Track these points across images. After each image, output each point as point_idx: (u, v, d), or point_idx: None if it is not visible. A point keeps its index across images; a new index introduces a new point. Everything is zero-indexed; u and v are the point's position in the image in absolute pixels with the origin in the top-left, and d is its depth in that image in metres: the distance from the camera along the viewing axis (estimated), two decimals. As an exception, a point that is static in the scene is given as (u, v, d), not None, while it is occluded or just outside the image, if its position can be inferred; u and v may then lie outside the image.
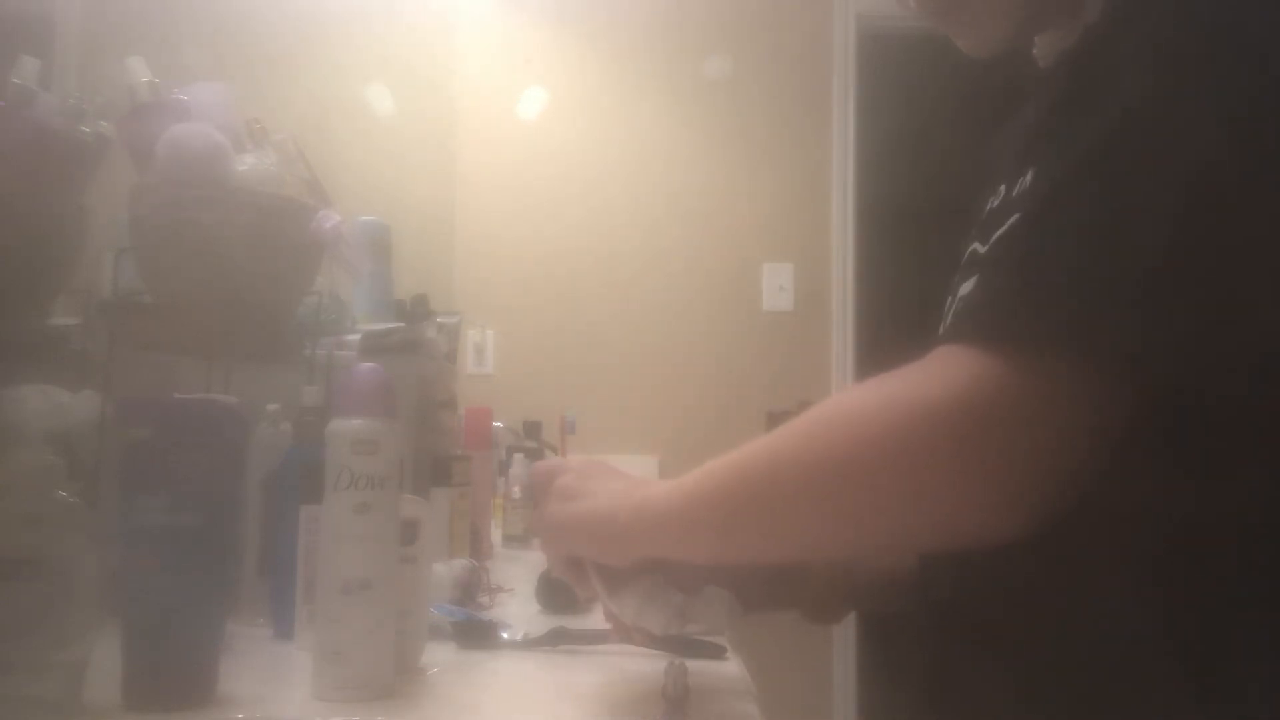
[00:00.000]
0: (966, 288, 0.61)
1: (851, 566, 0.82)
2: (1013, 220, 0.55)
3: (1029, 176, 0.57)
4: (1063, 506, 0.58)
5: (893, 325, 1.95)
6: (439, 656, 0.84)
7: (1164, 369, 0.50)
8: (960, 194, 0.81)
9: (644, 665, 0.74)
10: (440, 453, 1.24)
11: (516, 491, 1.65)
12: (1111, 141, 0.52)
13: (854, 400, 0.58)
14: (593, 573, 0.70)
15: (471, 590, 1.06)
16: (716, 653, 0.84)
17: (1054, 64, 0.66)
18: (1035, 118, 0.65)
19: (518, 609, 1.07)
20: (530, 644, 0.88)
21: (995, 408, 0.51)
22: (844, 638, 2.85)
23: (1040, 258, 0.52)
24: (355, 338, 1.25)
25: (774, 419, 2.64)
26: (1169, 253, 0.49)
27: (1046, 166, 0.56)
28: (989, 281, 0.56)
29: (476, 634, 0.90)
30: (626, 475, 0.71)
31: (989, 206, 0.66)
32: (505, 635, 0.89)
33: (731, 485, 0.61)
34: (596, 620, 0.90)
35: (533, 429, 1.87)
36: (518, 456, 1.69)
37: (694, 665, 0.70)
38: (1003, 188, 0.64)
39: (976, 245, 0.64)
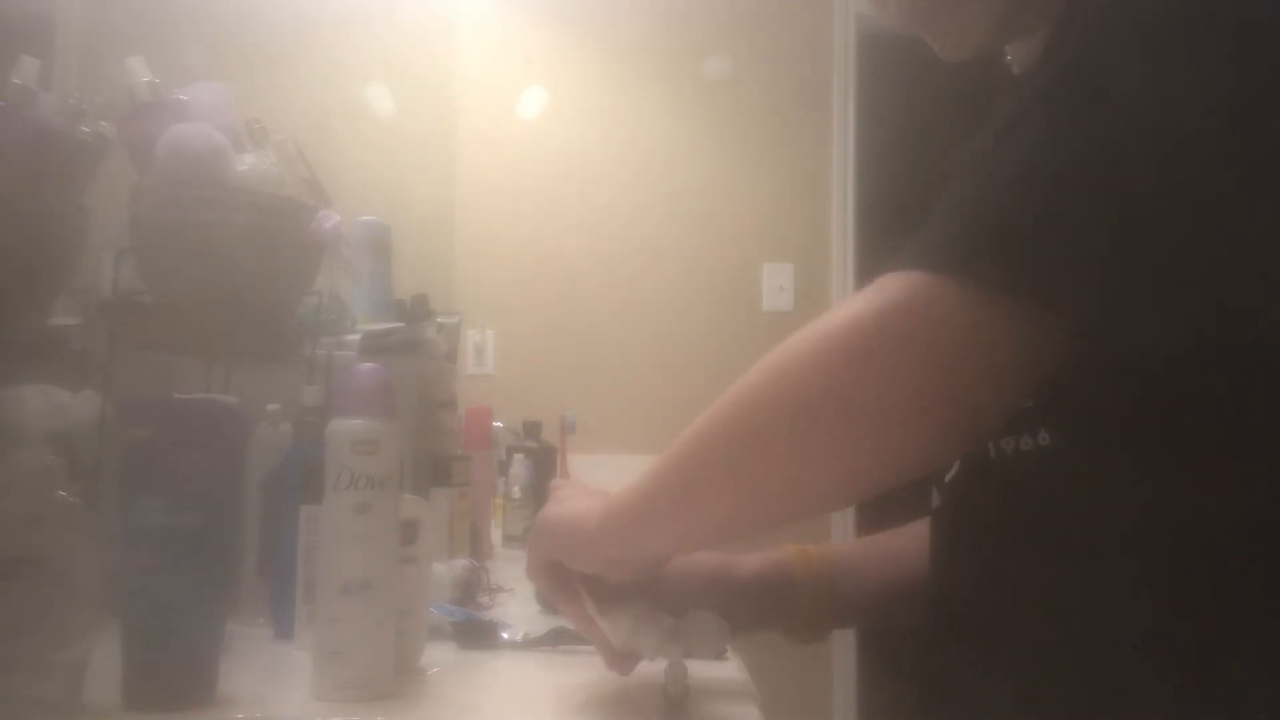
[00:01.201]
0: None
1: (837, 582, 0.82)
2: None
3: None
4: (975, 439, 0.59)
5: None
6: (439, 656, 0.84)
7: (1093, 323, 0.51)
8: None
9: (644, 665, 0.74)
10: (440, 453, 1.24)
11: (516, 491, 1.65)
12: (1051, 92, 0.53)
13: (794, 336, 0.57)
14: (585, 594, 0.70)
15: (471, 590, 1.06)
16: (717, 653, 0.84)
17: (1024, 72, 0.67)
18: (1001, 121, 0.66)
19: (518, 609, 1.07)
20: (530, 644, 0.88)
21: (921, 319, 0.52)
22: (844, 639, 2.84)
23: (979, 195, 0.54)
24: (355, 338, 1.25)
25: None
26: (1102, 204, 0.50)
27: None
28: (931, 218, 0.56)
29: (476, 634, 0.90)
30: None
31: None
32: (505, 635, 0.89)
33: (686, 455, 0.61)
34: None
35: (533, 429, 1.87)
36: (518, 456, 1.69)
37: (694, 665, 0.70)
38: None
39: None
